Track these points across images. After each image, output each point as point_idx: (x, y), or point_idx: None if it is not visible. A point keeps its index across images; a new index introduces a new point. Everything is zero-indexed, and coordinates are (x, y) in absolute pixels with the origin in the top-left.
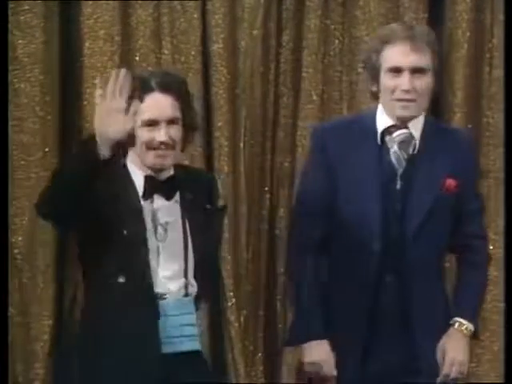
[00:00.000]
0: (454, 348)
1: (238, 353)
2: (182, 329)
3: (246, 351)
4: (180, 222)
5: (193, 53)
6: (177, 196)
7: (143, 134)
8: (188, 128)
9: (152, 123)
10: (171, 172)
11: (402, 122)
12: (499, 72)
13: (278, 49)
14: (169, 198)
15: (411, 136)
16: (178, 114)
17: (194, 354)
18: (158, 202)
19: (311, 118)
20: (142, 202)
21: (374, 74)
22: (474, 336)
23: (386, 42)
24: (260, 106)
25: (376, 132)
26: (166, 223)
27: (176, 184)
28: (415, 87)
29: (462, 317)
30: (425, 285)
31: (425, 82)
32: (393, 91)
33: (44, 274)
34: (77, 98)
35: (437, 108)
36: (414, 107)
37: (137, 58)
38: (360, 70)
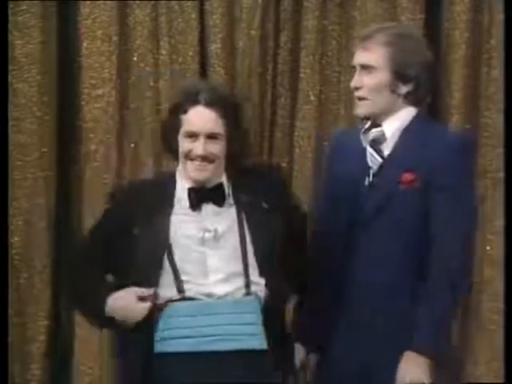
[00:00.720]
0: (410, 371)
1: None
2: (241, 327)
3: None
4: (236, 225)
5: (190, 53)
6: (230, 200)
7: (183, 145)
8: (234, 145)
9: (192, 135)
10: (220, 180)
11: (379, 120)
12: (497, 73)
13: (275, 49)
14: (219, 204)
15: (382, 135)
16: (220, 130)
17: (256, 352)
18: (208, 209)
19: (309, 119)
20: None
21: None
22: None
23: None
24: (258, 107)
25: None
26: (215, 230)
27: (225, 190)
28: (365, 84)
29: (417, 351)
30: (383, 283)
31: (377, 78)
32: (352, 90)
33: (41, 275)
34: (74, 99)
35: (435, 109)
36: (368, 105)
37: (134, 59)
38: None
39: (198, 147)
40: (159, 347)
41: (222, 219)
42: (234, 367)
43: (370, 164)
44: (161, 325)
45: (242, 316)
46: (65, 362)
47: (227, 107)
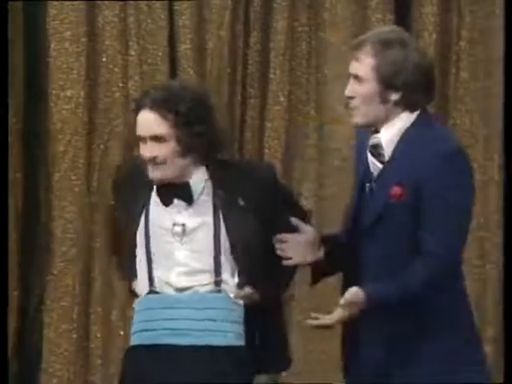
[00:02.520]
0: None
1: None
2: (202, 323)
3: None
4: (211, 222)
5: (160, 54)
6: (205, 197)
7: (139, 150)
8: (185, 145)
9: (141, 139)
10: (188, 179)
11: (378, 127)
12: (465, 74)
13: (245, 50)
14: (187, 202)
15: (379, 142)
16: (164, 131)
17: (220, 349)
18: (180, 204)
19: (278, 119)
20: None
21: None
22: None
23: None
24: (227, 107)
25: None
26: (184, 224)
27: (191, 190)
28: (349, 94)
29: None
30: None
31: (363, 89)
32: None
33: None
34: (43, 100)
35: None
36: (361, 114)
37: (103, 59)
38: (327, 71)
39: (145, 150)
40: (131, 340)
41: (195, 215)
42: (189, 362)
43: (372, 169)
44: (134, 318)
45: (203, 312)
46: (33, 364)
47: (172, 108)
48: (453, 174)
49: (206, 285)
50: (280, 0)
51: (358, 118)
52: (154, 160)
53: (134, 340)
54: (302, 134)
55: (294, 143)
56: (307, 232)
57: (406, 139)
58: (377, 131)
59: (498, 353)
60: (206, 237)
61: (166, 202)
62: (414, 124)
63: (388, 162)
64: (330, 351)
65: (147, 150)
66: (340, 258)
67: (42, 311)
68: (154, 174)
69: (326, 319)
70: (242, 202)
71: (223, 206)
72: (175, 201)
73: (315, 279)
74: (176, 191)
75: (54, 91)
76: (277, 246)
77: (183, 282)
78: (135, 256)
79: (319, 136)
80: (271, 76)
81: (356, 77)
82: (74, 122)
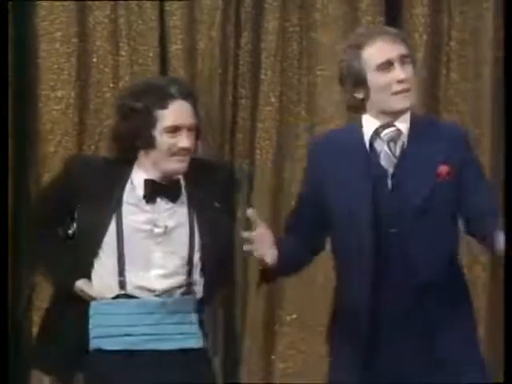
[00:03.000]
0: None
1: None
2: (179, 327)
3: None
4: (187, 221)
5: (151, 54)
6: (183, 197)
7: (165, 141)
8: (198, 135)
9: (174, 130)
10: (177, 176)
11: (393, 119)
12: (456, 75)
13: (236, 50)
14: (173, 200)
15: (399, 132)
16: (196, 122)
17: (193, 351)
18: (161, 204)
19: (270, 120)
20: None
21: (360, 79)
22: None
23: (362, 44)
24: (218, 108)
25: (362, 140)
26: (166, 226)
27: (181, 187)
28: (408, 76)
29: None
30: (433, 277)
31: (411, 71)
32: (388, 86)
33: None
34: (33, 100)
35: None
36: (411, 96)
37: (94, 60)
38: (318, 72)
39: (183, 140)
40: (96, 344)
41: (174, 215)
42: (171, 366)
43: (386, 165)
44: (98, 321)
45: (179, 315)
46: (20, 363)
47: (196, 98)
48: (472, 149)
49: (181, 287)
50: (271, 0)
51: (410, 101)
52: (190, 150)
53: (106, 344)
54: (293, 135)
55: (285, 144)
56: (266, 230)
57: (416, 126)
58: (392, 125)
59: (490, 352)
60: (182, 238)
61: (149, 198)
62: (413, 115)
63: (406, 151)
64: None
65: (186, 140)
66: (289, 263)
67: (31, 310)
68: (179, 165)
69: None
70: (217, 204)
71: (198, 206)
72: (158, 200)
73: (267, 279)
74: (164, 188)
75: (43, 92)
76: (246, 243)
77: (162, 284)
78: (94, 257)
79: (310, 137)
80: (262, 77)
81: (405, 57)
82: (65, 122)
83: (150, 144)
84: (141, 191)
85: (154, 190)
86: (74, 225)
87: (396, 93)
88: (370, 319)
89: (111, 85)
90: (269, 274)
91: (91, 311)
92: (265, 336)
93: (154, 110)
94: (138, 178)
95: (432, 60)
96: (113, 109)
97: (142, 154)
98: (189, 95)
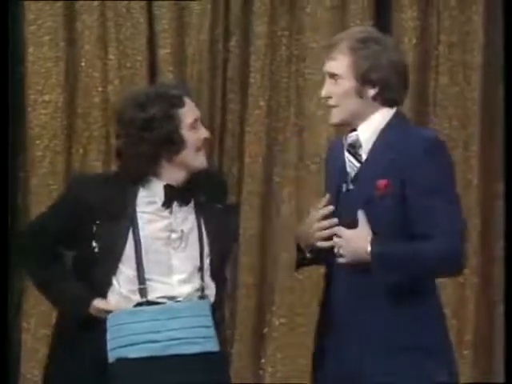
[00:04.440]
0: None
1: None
2: (196, 330)
3: None
4: (196, 226)
5: (139, 58)
6: (191, 201)
7: (192, 136)
8: None
9: (195, 124)
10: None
11: (355, 125)
12: (445, 79)
13: (225, 54)
14: (186, 203)
15: (358, 139)
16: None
17: (210, 355)
18: (175, 209)
19: (259, 124)
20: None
21: None
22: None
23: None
24: (207, 112)
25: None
26: (182, 231)
27: (190, 188)
28: (329, 92)
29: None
30: (377, 286)
31: (340, 87)
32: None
33: None
34: (21, 105)
35: None
36: (338, 112)
37: (82, 64)
38: (307, 76)
39: (204, 132)
40: (117, 353)
41: (186, 220)
42: (194, 370)
43: (349, 170)
44: (117, 332)
45: (199, 319)
46: (11, 369)
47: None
48: (435, 161)
49: (198, 290)
50: (260, 4)
51: (336, 117)
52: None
53: (131, 352)
54: (282, 139)
55: (274, 148)
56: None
57: (385, 137)
58: (354, 130)
59: (477, 357)
60: (194, 241)
61: (167, 204)
62: (390, 123)
63: (366, 159)
64: None
65: (205, 131)
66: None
67: (20, 316)
68: (204, 159)
69: None
70: (220, 206)
71: (203, 209)
72: (173, 205)
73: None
74: (179, 192)
75: (32, 96)
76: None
77: (184, 289)
78: (114, 274)
79: (299, 141)
80: (251, 80)
81: (332, 75)
82: (53, 126)
83: (180, 144)
84: (158, 198)
85: (171, 195)
86: (93, 243)
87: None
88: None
89: (100, 89)
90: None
91: (109, 324)
92: (254, 340)
93: (173, 111)
94: (154, 185)
95: (421, 64)
96: (101, 112)
97: (163, 161)
98: (188, 92)
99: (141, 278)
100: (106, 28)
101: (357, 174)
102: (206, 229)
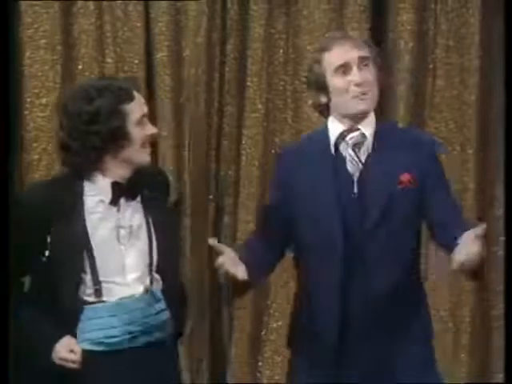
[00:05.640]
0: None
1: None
2: (153, 319)
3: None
4: (144, 221)
5: (136, 61)
6: (138, 196)
7: (137, 132)
8: None
9: (142, 120)
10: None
11: (356, 123)
12: (442, 82)
13: (222, 57)
14: (133, 197)
15: (363, 136)
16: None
17: (161, 345)
18: (123, 205)
19: (256, 127)
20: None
21: (321, 83)
22: None
23: (323, 49)
24: (204, 115)
25: (329, 144)
26: (131, 226)
27: (136, 183)
28: (366, 79)
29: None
30: (394, 284)
31: (372, 73)
32: (346, 90)
33: None
34: (17, 108)
35: (380, 118)
36: (370, 100)
37: (79, 67)
38: (304, 79)
39: (150, 128)
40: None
41: (135, 215)
42: (147, 362)
43: (351, 171)
44: (82, 327)
45: (148, 311)
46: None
47: (140, 89)
48: (439, 160)
49: (147, 286)
50: (257, 7)
51: (368, 104)
52: (156, 136)
53: (91, 346)
54: (279, 142)
55: (271, 151)
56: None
57: (381, 132)
58: (356, 129)
59: (474, 361)
60: (143, 236)
61: (115, 201)
62: (376, 120)
63: (371, 156)
64: None
65: (152, 127)
66: (258, 272)
67: None
68: (148, 155)
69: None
70: (164, 203)
71: (150, 204)
72: (120, 202)
73: (241, 292)
74: (126, 188)
75: (28, 99)
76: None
77: (138, 287)
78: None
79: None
80: (248, 83)
81: (363, 59)
82: (50, 129)
83: (126, 140)
84: (105, 196)
85: (118, 191)
86: (46, 253)
87: (354, 97)
88: (338, 328)
89: None
90: (242, 287)
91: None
92: (251, 343)
93: (120, 105)
94: (100, 183)
95: (418, 67)
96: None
97: (108, 156)
98: (137, 86)
99: (95, 280)
100: (102, 31)
101: (363, 174)
102: (153, 223)
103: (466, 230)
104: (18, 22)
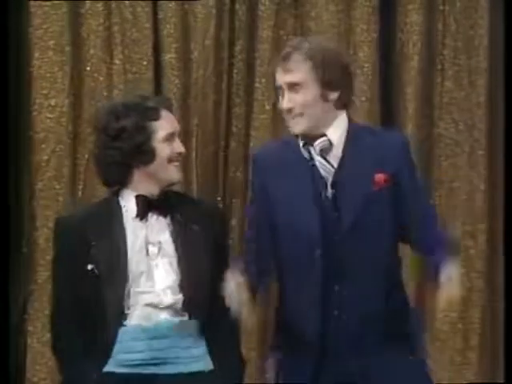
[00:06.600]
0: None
1: None
2: (185, 351)
3: None
4: (171, 239)
5: (144, 62)
6: (168, 215)
7: (164, 149)
8: None
9: (170, 138)
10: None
11: (305, 137)
12: (450, 83)
13: (230, 59)
14: (163, 214)
15: (330, 143)
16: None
17: (198, 374)
18: (152, 221)
19: (264, 128)
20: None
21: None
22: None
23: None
24: (212, 116)
25: (300, 151)
26: (159, 242)
27: (169, 202)
28: (296, 103)
29: None
30: (371, 288)
31: (304, 95)
32: (285, 111)
33: None
34: (26, 109)
35: (389, 119)
36: (305, 120)
37: (88, 68)
38: None
39: (179, 146)
40: (107, 367)
41: (162, 232)
42: None
43: (324, 174)
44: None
45: (186, 338)
46: (17, 373)
47: (172, 107)
48: (411, 158)
49: (180, 303)
50: (265, 9)
51: (302, 125)
52: (183, 154)
53: (117, 368)
54: None
55: None
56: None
57: (356, 136)
58: (317, 136)
59: (483, 361)
60: (171, 253)
61: (142, 215)
62: (350, 123)
63: (344, 162)
64: None
65: (181, 145)
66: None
67: (25, 320)
68: (178, 173)
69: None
70: (196, 227)
71: (180, 224)
72: (148, 217)
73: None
74: (155, 203)
75: (37, 100)
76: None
77: (168, 297)
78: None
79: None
80: (256, 85)
81: (293, 86)
82: (58, 131)
83: (151, 155)
84: (133, 212)
85: (146, 206)
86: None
87: (291, 118)
88: (318, 330)
89: (105, 93)
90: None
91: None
92: (259, 345)
93: (146, 123)
94: (129, 199)
95: (426, 68)
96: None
97: (135, 172)
98: (168, 105)
99: (126, 294)
100: (111, 32)
101: (336, 178)
102: (181, 244)
103: (435, 238)
104: (28, 23)
